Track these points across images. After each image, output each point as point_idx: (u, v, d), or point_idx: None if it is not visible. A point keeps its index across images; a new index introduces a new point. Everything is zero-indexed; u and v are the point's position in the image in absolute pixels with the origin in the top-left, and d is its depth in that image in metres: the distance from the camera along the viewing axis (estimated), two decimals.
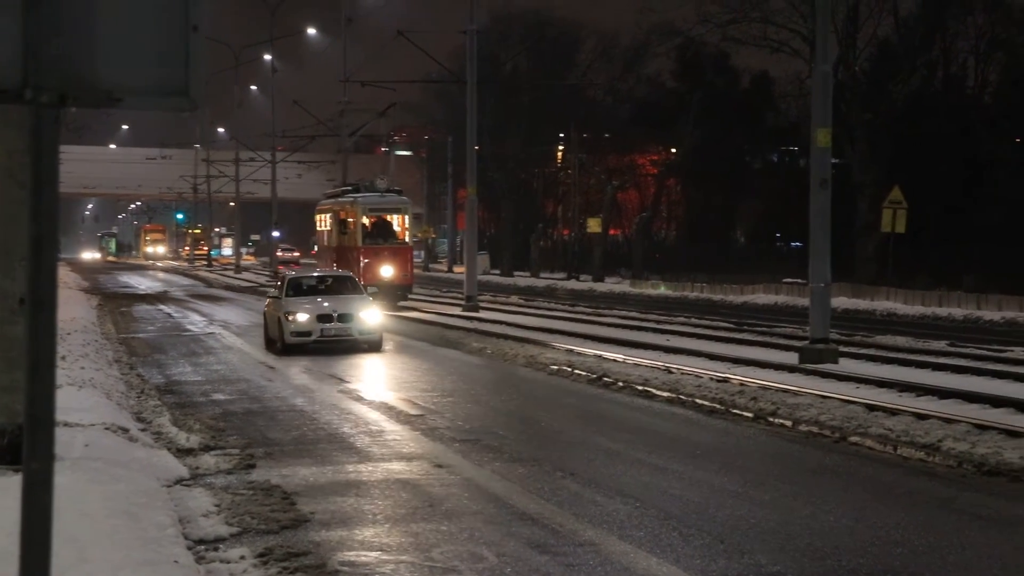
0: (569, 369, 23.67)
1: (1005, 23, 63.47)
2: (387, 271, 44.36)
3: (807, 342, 24.47)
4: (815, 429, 16.43)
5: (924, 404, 17.76)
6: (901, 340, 29.02)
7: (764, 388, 19.53)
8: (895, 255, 49.14)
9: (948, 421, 15.76)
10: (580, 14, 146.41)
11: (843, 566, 9.84)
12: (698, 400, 19.33)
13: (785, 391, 19.13)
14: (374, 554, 10.28)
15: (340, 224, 46.85)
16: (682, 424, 17.55)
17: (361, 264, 43.53)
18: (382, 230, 45.14)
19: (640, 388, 20.87)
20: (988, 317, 37.93)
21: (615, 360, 24.25)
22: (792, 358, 23.92)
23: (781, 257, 70.11)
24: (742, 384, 20.12)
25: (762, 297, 49.68)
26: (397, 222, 45.65)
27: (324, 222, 51.32)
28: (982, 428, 15.24)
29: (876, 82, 61.31)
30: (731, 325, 35.15)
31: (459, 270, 67.08)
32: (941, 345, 27.72)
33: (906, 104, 60.43)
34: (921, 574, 9.65)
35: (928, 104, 61.30)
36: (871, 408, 17.10)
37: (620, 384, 21.48)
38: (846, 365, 23.13)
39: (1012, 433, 14.86)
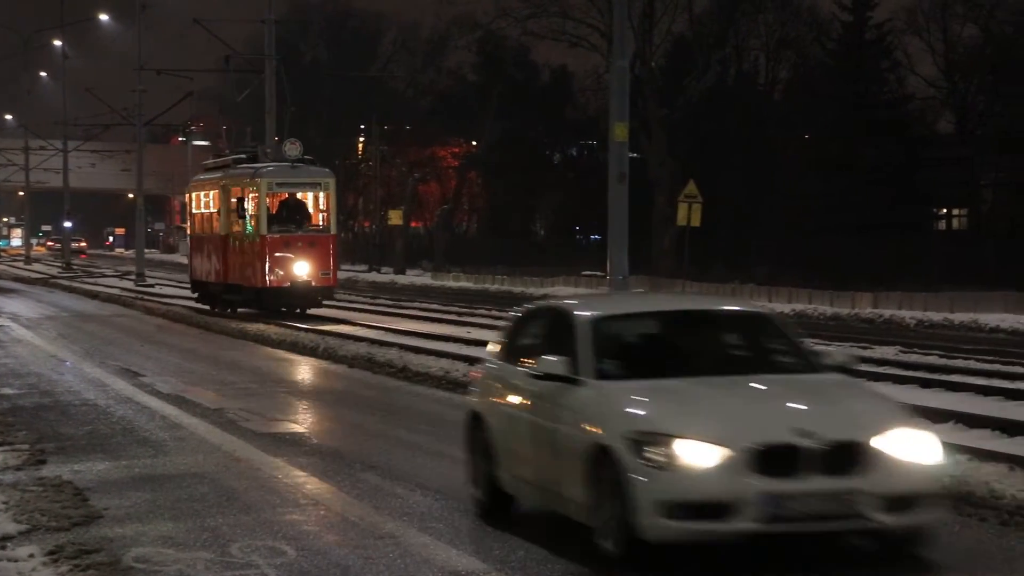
0: (370, 361, 23.57)
1: (794, 22, 65.30)
2: (302, 268, 33.27)
3: None
4: None
5: None
6: None
7: None
8: (691, 248, 50.14)
9: None
10: (380, 5, 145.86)
11: None
12: None
13: None
14: (169, 551, 10.09)
15: (232, 204, 35.26)
16: None
17: (266, 260, 33.05)
18: (295, 213, 34.10)
19: (441, 380, 20.88)
20: (779, 309, 38.93)
21: (416, 352, 24.22)
22: None
23: (581, 250, 70.98)
24: None
25: (562, 290, 50.19)
26: (314, 202, 34.77)
27: (202, 202, 38.98)
28: None
29: (672, 78, 62.46)
30: None
31: None
32: None
33: (701, 100, 61.71)
34: None
35: (722, 100, 62.71)
36: None
37: (421, 376, 21.47)
38: None
39: None
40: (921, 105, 61.23)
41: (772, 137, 61.94)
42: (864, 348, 25.63)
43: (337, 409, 18.17)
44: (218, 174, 37.50)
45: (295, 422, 16.78)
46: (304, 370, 23.46)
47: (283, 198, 33.87)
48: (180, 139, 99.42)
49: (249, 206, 34.13)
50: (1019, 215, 51.63)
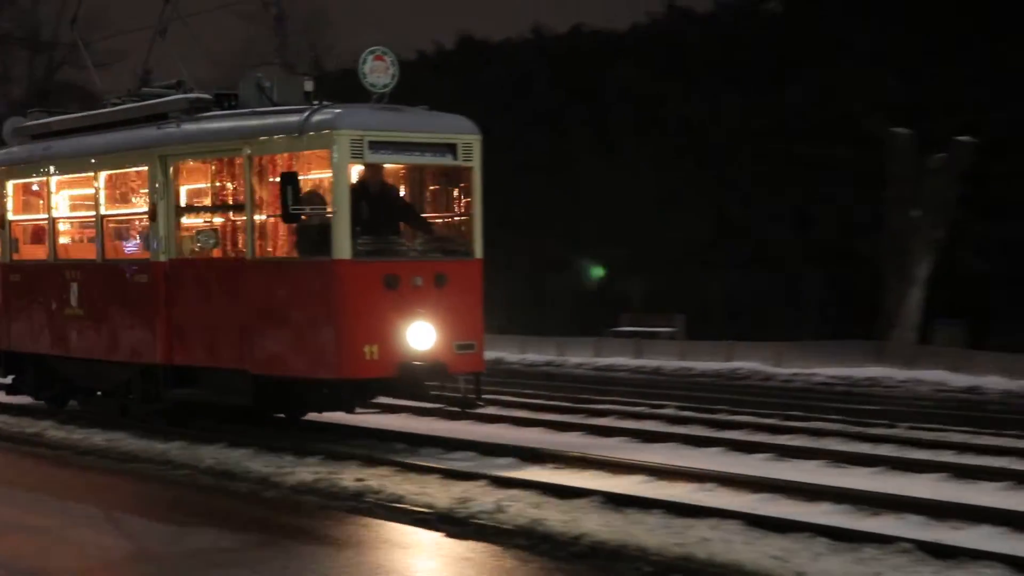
0: None
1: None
2: (423, 334, 13.40)
3: None
4: None
5: None
6: None
7: None
8: None
9: None
10: None
11: None
12: None
13: None
14: None
15: (198, 198, 15.50)
16: None
17: (349, 316, 13.24)
18: (394, 214, 14.09)
19: None
20: None
21: None
22: None
23: None
24: None
25: None
26: (447, 193, 14.75)
27: (61, 200, 17.58)
28: None
29: None
30: None
31: None
32: None
33: None
34: None
35: None
36: None
37: None
38: None
39: None
40: None
41: None
42: None
43: None
44: (125, 135, 16.14)
45: None
46: None
47: (369, 178, 13.88)
48: None
49: (289, 195, 13.10)
50: None
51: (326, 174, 13.56)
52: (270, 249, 14.16)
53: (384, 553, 9.65)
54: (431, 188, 14.92)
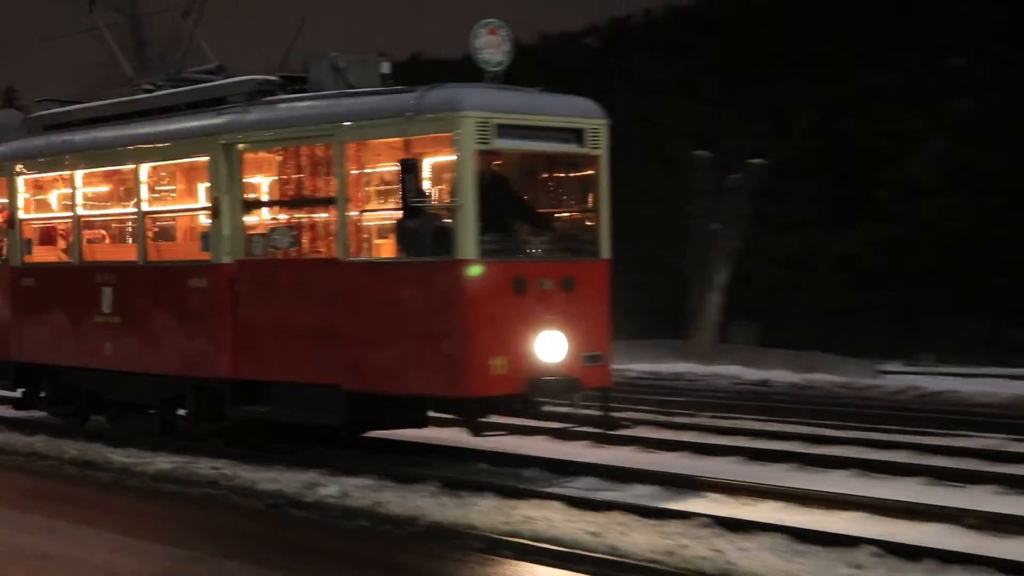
0: None
1: None
2: (553, 345, 11.18)
3: None
4: None
5: None
6: None
7: None
8: None
9: None
10: None
11: None
12: None
13: None
14: None
15: (290, 187, 12.27)
16: None
17: (472, 325, 10.87)
18: (514, 209, 11.74)
19: None
20: None
21: None
22: None
23: None
24: None
25: None
26: (568, 185, 12.31)
27: (82, 192, 14.73)
28: None
29: None
30: None
31: None
32: None
33: None
34: None
35: None
36: None
37: None
38: None
39: None
40: None
41: None
42: None
43: None
44: (176, 122, 13.50)
45: None
46: None
47: (484, 167, 11.15)
48: None
49: (411, 186, 10.96)
50: None
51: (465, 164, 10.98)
52: (368, 248, 11.90)
53: (233, 535, 9.91)
54: (549, 178, 12.42)
